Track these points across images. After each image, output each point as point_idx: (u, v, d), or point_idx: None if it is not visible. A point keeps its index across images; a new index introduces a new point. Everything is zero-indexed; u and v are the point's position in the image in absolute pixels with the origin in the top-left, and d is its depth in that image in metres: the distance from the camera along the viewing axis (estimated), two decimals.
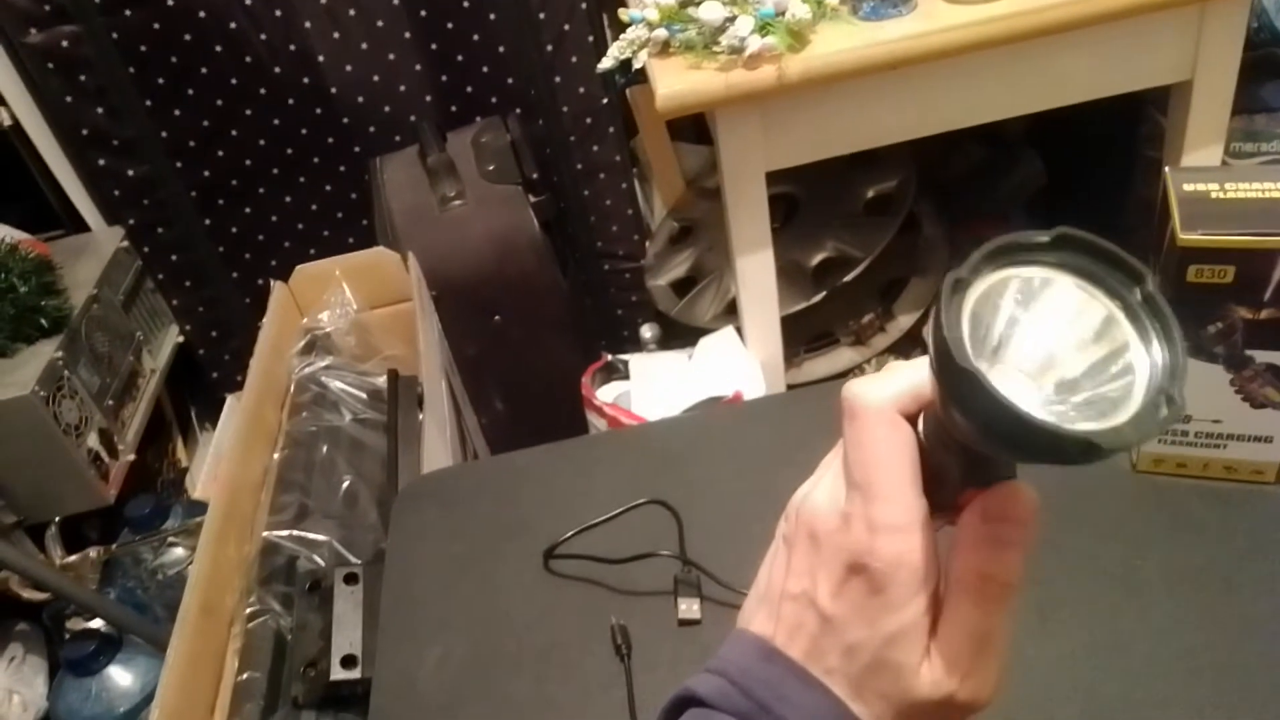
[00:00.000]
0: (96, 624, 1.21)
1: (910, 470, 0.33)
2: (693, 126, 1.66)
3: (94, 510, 1.36)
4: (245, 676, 0.83)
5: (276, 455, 1.04)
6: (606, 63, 1.09)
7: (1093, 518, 0.58)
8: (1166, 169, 0.54)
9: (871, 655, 0.33)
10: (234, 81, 1.42)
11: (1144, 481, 0.59)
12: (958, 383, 0.28)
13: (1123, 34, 1.04)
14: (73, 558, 1.27)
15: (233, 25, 1.38)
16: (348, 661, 0.80)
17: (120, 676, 1.16)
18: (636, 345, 1.50)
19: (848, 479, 0.34)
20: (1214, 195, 0.52)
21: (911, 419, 0.34)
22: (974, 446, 0.32)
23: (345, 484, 1.02)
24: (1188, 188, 0.53)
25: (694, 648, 0.57)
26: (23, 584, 1.26)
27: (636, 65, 1.08)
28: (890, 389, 0.34)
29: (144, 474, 1.48)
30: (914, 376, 0.34)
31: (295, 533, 0.95)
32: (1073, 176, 1.48)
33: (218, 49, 1.39)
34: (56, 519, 1.28)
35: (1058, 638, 0.52)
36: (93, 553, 1.27)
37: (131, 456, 1.40)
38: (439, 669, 0.60)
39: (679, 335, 1.47)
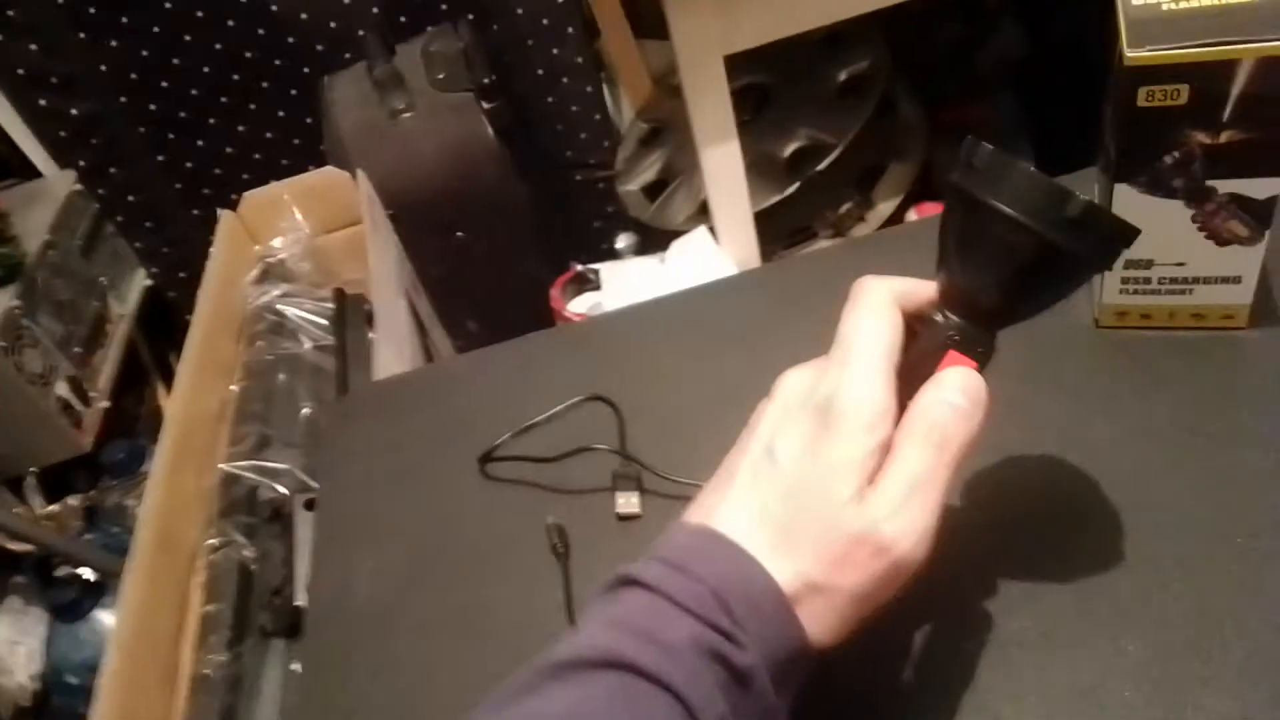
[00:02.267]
0: (82, 571, 1.21)
1: (888, 342, 0.37)
2: (659, 24, 1.58)
3: (76, 459, 1.35)
4: (210, 608, 0.82)
5: (234, 387, 1.02)
6: None
7: (1053, 378, 0.54)
8: None
9: (807, 489, 0.35)
10: (168, 5, 1.35)
11: (1107, 337, 0.55)
12: (1002, 176, 0.36)
13: None
14: (53, 507, 1.26)
15: None
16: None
17: (109, 620, 1.16)
18: (614, 256, 1.45)
19: (835, 344, 0.38)
20: (1165, 7, 0.46)
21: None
22: (984, 292, 0.37)
23: (305, 411, 0.99)
24: (1137, 1, 0.47)
25: (632, 542, 0.53)
26: (6, 536, 1.26)
27: None
28: (891, 281, 0.39)
29: (124, 420, 1.46)
30: (914, 281, 0.39)
31: (256, 462, 0.93)
32: (1054, 45, 1.40)
33: None
34: (32, 469, 1.26)
35: (1014, 501, 0.49)
36: (72, 500, 1.26)
37: (106, 403, 1.38)
38: (372, 581, 0.58)
39: (655, 242, 1.42)
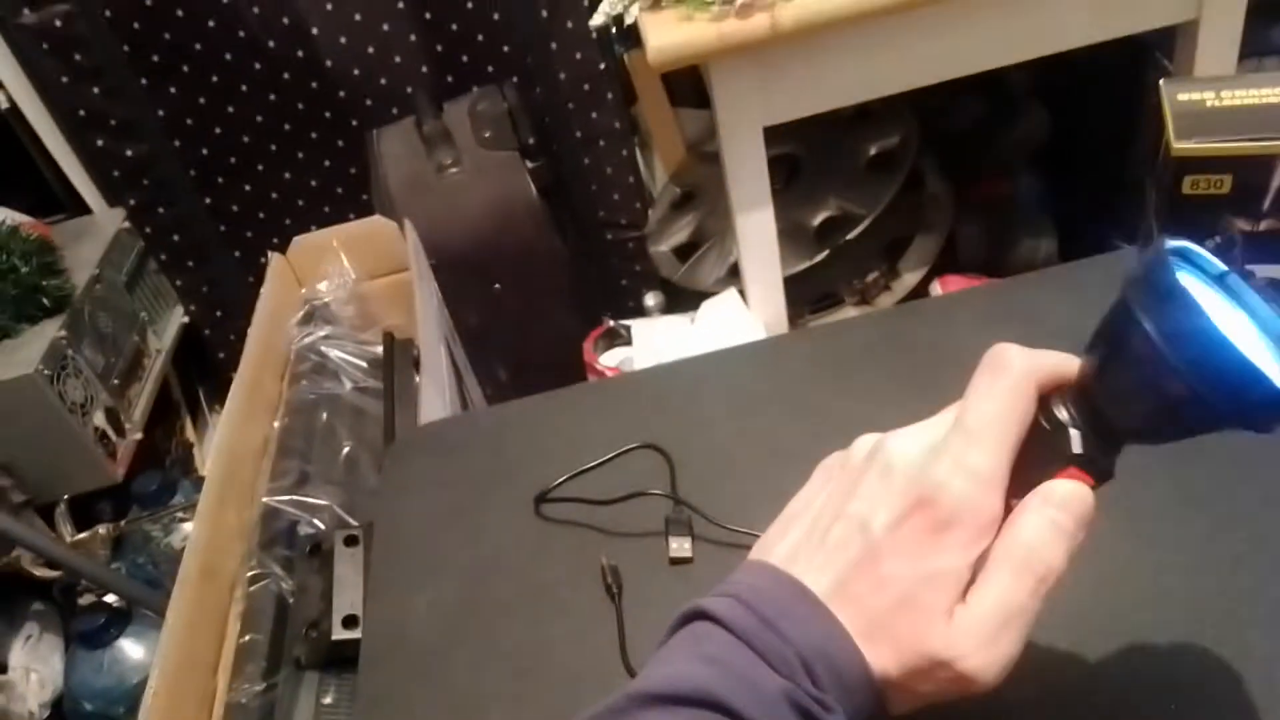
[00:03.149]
0: (108, 598, 1.22)
1: (1016, 437, 0.34)
2: (694, 93, 1.64)
3: (104, 489, 1.37)
4: (247, 639, 0.84)
5: (277, 424, 1.04)
6: (598, 18, 1.07)
7: None
8: (1161, 80, 0.52)
9: (902, 590, 0.33)
10: (228, 57, 1.41)
11: None
12: (1169, 309, 0.31)
13: None
14: (83, 535, 1.28)
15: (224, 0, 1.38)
16: (349, 622, 0.80)
17: (131, 649, 1.17)
18: (641, 314, 1.48)
19: (959, 422, 0.34)
20: (1209, 104, 0.50)
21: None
22: (1125, 415, 0.33)
23: (346, 450, 1.02)
24: (1182, 97, 0.51)
25: (686, 585, 0.56)
26: (35, 562, 1.27)
27: (629, 20, 1.06)
28: (1038, 359, 0.35)
29: (152, 453, 1.49)
30: (1061, 358, 0.35)
31: (296, 497, 0.95)
32: (1078, 128, 1.45)
33: (210, 24, 1.39)
34: (65, 497, 1.28)
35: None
36: (102, 529, 1.28)
37: (139, 435, 1.40)
38: (428, 616, 0.59)
39: (683, 302, 1.46)
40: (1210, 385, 0.30)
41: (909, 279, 1.38)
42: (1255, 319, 0.33)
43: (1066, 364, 0.35)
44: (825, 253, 1.31)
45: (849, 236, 1.31)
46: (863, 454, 0.37)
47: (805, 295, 1.39)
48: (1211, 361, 0.30)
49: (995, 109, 1.48)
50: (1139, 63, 1.28)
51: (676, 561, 0.57)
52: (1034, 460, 0.34)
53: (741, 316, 1.29)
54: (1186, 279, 0.32)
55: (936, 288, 1.36)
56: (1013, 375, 0.34)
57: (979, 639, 0.32)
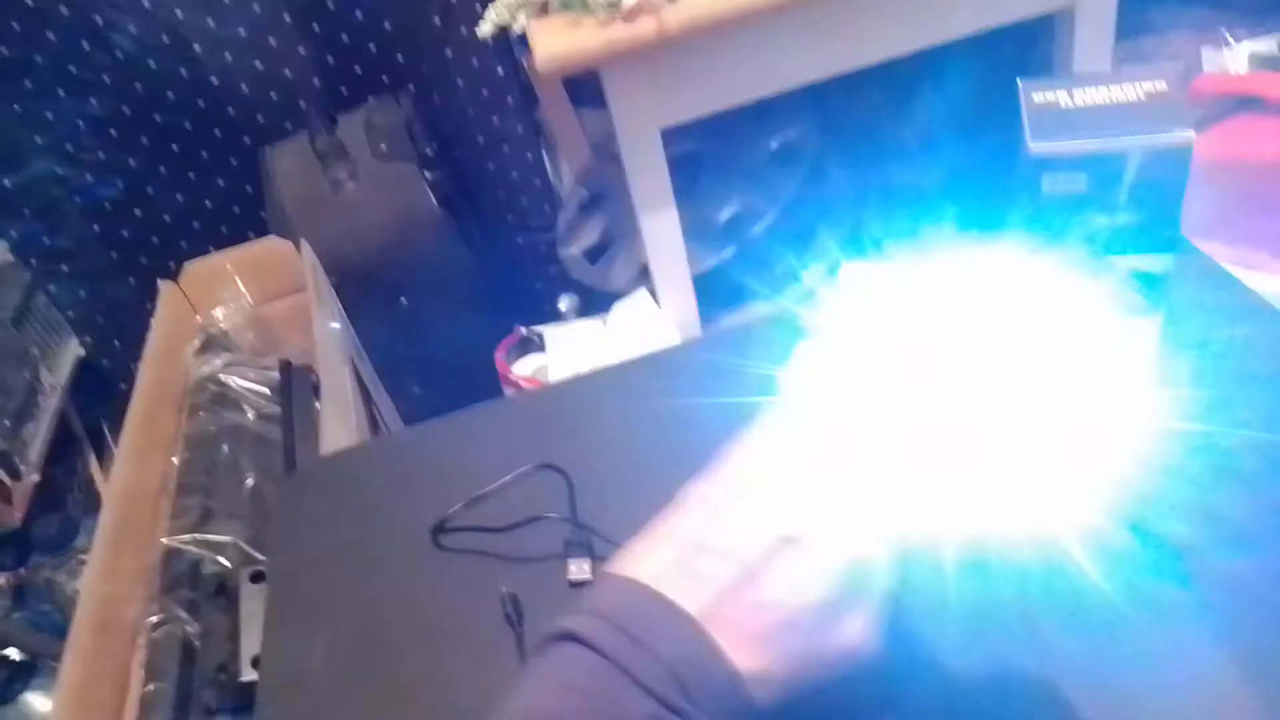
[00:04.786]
0: (8, 652, 1.17)
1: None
2: (597, 92, 1.63)
3: (3, 536, 1.31)
4: (151, 688, 0.81)
5: (176, 460, 1.01)
6: (485, 28, 1.06)
7: None
8: (1019, 79, 0.53)
9: (779, 616, 0.35)
10: (106, 79, 1.36)
11: None
12: None
13: None
14: None
15: (98, 19, 1.32)
16: (259, 662, 0.77)
17: (39, 703, 1.12)
18: (557, 317, 1.47)
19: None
20: (1063, 103, 0.51)
21: None
22: None
23: (250, 482, 0.99)
24: (1038, 97, 0.52)
25: None
26: None
27: (516, 28, 1.05)
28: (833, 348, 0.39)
29: (53, 494, 1.42)
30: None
31: (199, 536, 0.92)
32: (972, 112, 1.48)
33: (85, 46, 1.33)
34: None
35: None
36: (1, 579, 1.22)
37: (36, 477, 1.34)
38: (326, 655, 0.58)
39: (598, 304, 1.46)
40: None
41: (817, 269, 1.39)
42: None
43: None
44: (731, 249, 1.32)
45: (754, 230, 1.32)
46: (723, 479, 0.38)
47: (718, 292, 1.39)
48: None
49: (890, 97, 1.50)
50: (1026, 46, 1.31)
51: (577, 584, 0.57)
52: None
53: (654, 317, 1.28)
54: None
55: (845, 276, 1.38)
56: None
57: None
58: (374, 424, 1.09)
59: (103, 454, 1.65)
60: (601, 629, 0.35)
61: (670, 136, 1.13)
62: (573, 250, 1.55)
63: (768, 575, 0.35)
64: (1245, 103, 1.10)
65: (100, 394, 1.63)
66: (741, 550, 0.36)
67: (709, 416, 0.65)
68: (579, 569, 0.57)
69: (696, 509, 0.39)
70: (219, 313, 1.14)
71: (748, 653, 0.35)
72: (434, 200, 1.27)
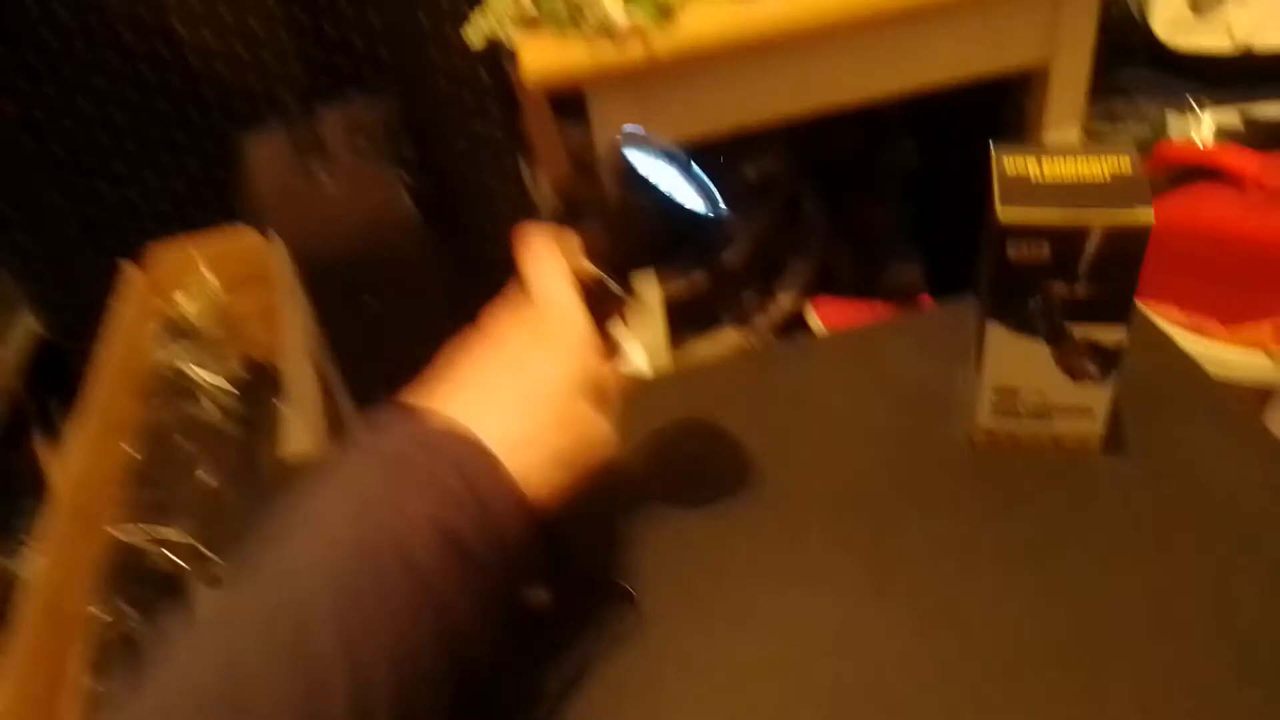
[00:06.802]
0: None
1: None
2: (580, 105, 1.64)
3: None
4: (102, 689, 0.79)
5: (130, 449, 0.99)
6: (475, 38, 1.06)
7: (931, 494, 0.59)
8: (992, 144, 0.55)
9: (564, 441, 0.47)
10: (79, 47, 1.33)
11: (980, 457, 0.61)
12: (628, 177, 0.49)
13: (981, 16, 1.07)
14: None
15: None
16: None
17: None
18: None
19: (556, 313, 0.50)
20: (1032, 173, 0.53)
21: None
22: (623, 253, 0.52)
23: (204, 480, 0.98)
24: (1008, 163, 0.54)
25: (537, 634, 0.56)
26: None
27: (504, 40, 1.05)
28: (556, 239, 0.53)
29: None
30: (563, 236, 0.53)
31: (149, 529, 0.91)
32: (945, 159, 1.51)
33: (58, 12, 1.30)
34: None
35: (893, 611, 0.53)
36: None
37: None
38: None
39: None
40: (662, 214, 0.49)
41: (784, 300, 1.41)
42: (686, 176, 0.52)
43: (569, 239, 0.52)
44: (703, 274, 1.33)
45: (725, 257, 1.33)
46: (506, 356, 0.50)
47: (687, 317, 1.41)
48: (656, 200, 0.49)
49: (869, 138, 1.53)
50: (1000, 99, 1.34)
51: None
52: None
53: (622, 340, 1.29)
54: (637, 155, 0.49)
55: (810, 310, 1.40)
56: (554, 253, 0.51)
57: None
58: (336, 430, 1.08)
59: (51, 435, 1.62)
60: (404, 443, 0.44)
61: None
62: None
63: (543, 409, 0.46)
64: (1205, 173, 1.14)
65: (57, 375, 1.60)
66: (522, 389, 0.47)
67: (661, 452, 0.66)
68: (535, 594, 0.58)
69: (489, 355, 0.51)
70: (181, 299, 1.13)
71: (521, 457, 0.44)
72: (409, 203, 1.27)
